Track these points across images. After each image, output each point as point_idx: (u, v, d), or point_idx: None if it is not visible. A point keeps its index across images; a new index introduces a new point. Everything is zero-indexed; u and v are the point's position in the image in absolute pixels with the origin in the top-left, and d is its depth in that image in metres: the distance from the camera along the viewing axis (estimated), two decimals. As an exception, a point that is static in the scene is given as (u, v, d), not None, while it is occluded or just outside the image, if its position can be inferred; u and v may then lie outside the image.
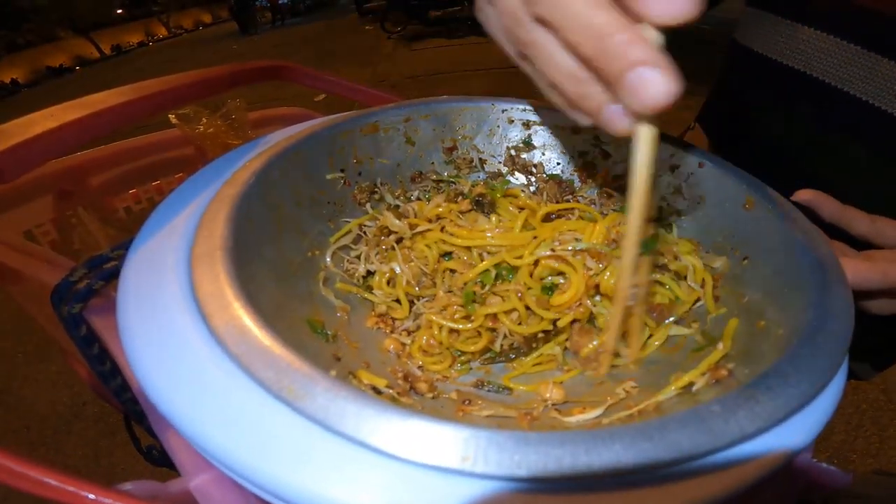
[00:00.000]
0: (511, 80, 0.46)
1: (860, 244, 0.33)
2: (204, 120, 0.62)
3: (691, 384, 0.25)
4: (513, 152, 0.46)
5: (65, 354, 0.71)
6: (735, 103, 0.52)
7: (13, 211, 0.58)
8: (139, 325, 0.21)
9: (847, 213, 0.32)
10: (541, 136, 0.45)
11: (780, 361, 0.21)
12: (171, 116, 0.59)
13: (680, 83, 0.18)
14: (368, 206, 0.41)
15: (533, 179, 0.46)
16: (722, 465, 0.18)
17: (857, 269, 0.27)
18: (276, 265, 0.30)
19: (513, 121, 0.45)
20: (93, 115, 0.26)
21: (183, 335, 0.20)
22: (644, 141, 0.21)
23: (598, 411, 0.26)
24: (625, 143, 0.41)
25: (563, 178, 0.45)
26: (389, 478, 0.17)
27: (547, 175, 0.45)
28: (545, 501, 0.17)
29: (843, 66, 0.38)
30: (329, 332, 0.30)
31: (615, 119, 0.22)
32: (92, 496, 0.14)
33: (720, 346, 0.26)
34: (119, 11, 11.17)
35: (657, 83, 0.18)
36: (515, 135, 0.46)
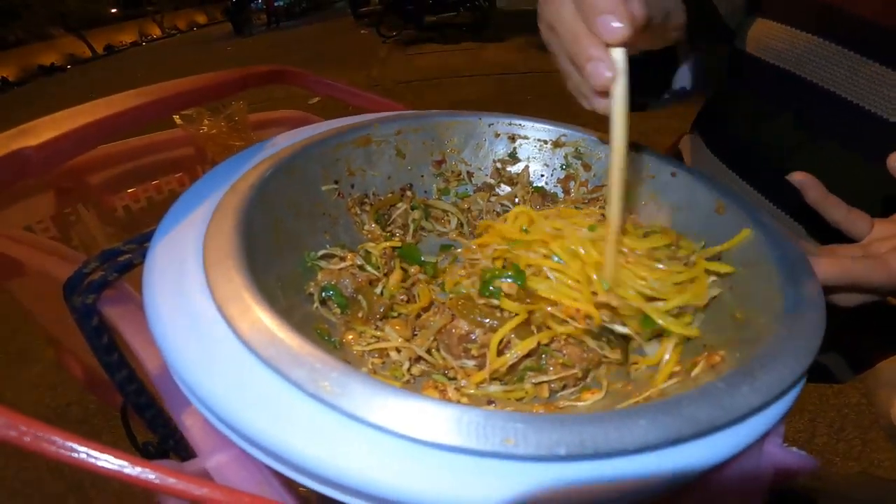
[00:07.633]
0: (502, 86, 0.47)
1: (832, 231, 0.35)
2: (206, 121, 0.63)
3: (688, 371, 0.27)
4: (499, 165, 0.48)
5: (58, 351, 0.72)
6: (729, 107, 0.55)
7: (14, 206, 0.58)
8: (166, 307, 0.22)
9: (829, 200, 0.34)
10: (525, 149, 0.47)
11: (769, 343, 0.24)
12: (176, 117, 0.60)
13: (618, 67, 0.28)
14: (363, 217, 0.41)
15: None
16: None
17: (821, 266, 0.29)
18: (279, 276, 0.31)
19: (499, 135, 0.47)
20: (118, 114, 0.28)
21: (208, 317, 0.21)
22: (618, 95, 0.29)
23: (600, 394, 0.28)
24: (604, 157, 0.44)
25: (548, 190, 0.47)
26: (431, 463, 0.18)
27: (533, 187, 0.47)
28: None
29: (829, 67, 0.41)
30: (335, 340, 0.31)
31: (592, 99, 0.32)
32: (130, 466, 0.15)
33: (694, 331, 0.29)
34: (113, 11, 11.09)
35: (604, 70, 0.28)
36: (501, 148, 0.48)
